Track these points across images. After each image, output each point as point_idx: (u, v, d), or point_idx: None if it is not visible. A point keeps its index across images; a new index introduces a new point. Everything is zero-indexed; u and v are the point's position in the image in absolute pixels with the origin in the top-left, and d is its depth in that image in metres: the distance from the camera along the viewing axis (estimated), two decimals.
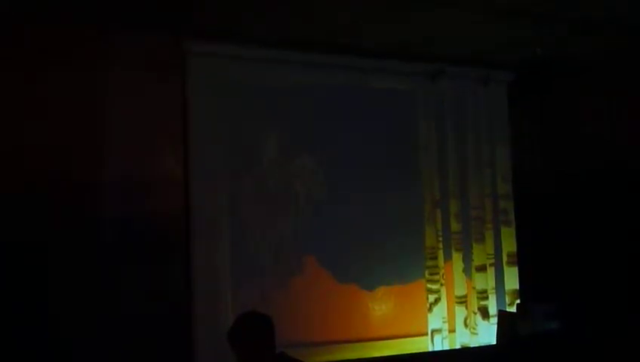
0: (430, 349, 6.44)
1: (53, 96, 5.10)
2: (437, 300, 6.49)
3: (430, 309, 6.49)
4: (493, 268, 6.82)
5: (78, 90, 5.19)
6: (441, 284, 6.53)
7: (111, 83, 5.30)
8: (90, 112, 5.23)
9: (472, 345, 6.60)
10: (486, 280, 6.75)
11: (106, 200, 5.27)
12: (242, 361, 3.50)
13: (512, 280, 6.88)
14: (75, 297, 5.00)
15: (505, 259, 6.91)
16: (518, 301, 6.74)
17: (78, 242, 5.07)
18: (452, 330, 6.58)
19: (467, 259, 6.70)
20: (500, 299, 6.82)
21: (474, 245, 6.75)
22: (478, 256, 6.74)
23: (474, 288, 6.72)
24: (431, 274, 6.50)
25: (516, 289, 6.87)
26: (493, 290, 6.79)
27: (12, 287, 4.80)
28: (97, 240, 5.18)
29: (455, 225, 6.66)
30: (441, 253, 6.55)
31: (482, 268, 6.74)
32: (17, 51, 5.02)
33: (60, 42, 5.15)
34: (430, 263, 6.51)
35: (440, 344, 6.46)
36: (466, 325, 6.64)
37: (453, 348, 6.53)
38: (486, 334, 6.65)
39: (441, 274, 6.53)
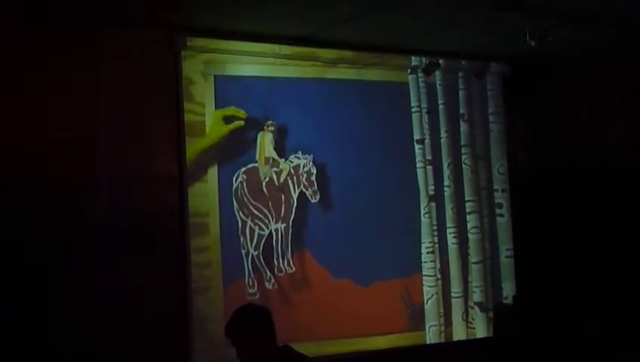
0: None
1: (45, 94, 5.06)
2: (434, 295, 6.48)
3: (427, 304, 6.48)
4: (489, 262, 6.82)
5: (71, 87, 5.14)
6: (438, 279, 6.52)
7: (104, 80, 5.26)
8: (83, 110, 5.18)
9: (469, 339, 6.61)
10: (483, 274, 6.74)
11: (101, 198, 5.23)
12: (242, 354, 3.47)
13: (508, 274, 6.88)
14: (70, 294, 4.97)
15: (501, 252, 6.90)
16: (515, 294, 6.73)
17: (72, 240, 5.03)
18: (449, 325, 6.58)
19: (464, 253, 6.69)
20: (497, 293, 6.82)
21: (470, 239, 6.73)
22: (475, 250, 6.73)
23: (471, 282, 6.71)
24: (427, 269, 6.49)
25: (513, 283, 6.86)
26: (490, 284, 6.79)
27: (6, 286, 4.76)
28: (92, 238, 5.14)
29: (451, 219, 6.65)
30: (437, 247, 6.54)
31: (479, 262, 6.73)
32: (9, 49, 4.96)
33: (52, 40, 5.10)
34: (426, 258, 6.49)
35: (437, 338, 6.45)
36: (463, 319, 6.63)
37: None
38: (483, 328, 6.64)
39: (437, 268, 6.52)
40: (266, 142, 5.96)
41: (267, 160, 5.97)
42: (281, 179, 6.01)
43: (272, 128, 5.98)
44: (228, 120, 5.80)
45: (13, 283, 4.79)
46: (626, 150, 6.47)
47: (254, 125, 5.93)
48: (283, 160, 6.03)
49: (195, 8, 5.12)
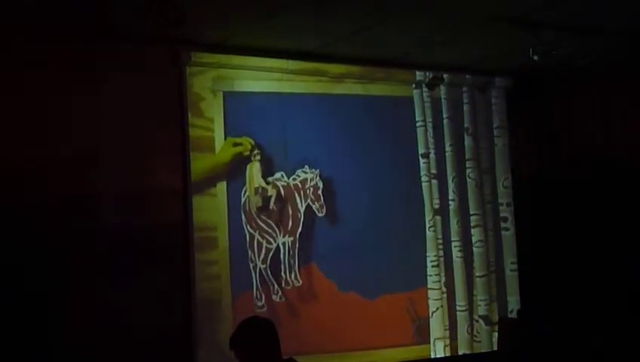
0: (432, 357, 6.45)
1: (51, 107, 5.07)
2: (439, 308, 6.50)
3: (432, 317, 6.49)
4: (494, 276, 6.83)
5: (76, 100, 5.16)
6: (443, 292, 6.53)
7: (109, 93, 5.28)
8: (88, 123, 5.20)
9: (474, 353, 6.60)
10: (488, 288, 6.75)
11: (106, 212, 5.25)
12: None
13: (513, 288, 6.89)
14: (74, 308, 4.96)
15: (506, 266, 6.91)
16: (520, 308, 6.73)
17: (74, 254, 5.03)
18: (454, 338, 6.59)
19: (468, 267, 6.70)
20: (502, 306, 6.83)
21: (475, 252, 6.75)
22: (480, 264, 6.74)
23: (475, 296, 6.72)
24: (432, 282, 6.50)
25: (518, 297, 6.87)
26: (495, 298, 6.80)
27: (6, 301, 4.75)
28: (97, 252, 5.15)
29: (456, 233, 6.67)
30: (442, 261, 6.56)
31: (484, 276, 6.74)
32: (13, 64, 4.97)
33: (58, 53, 5.12)
34: (431, 271, 6.51)
35: (442, 352, 6.45)
36: (467, 333, 6.64)
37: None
38: (488, 342, 6.65)
39: (442, 281, 6.54)
40: (254, 172, 5.98)
41: (257, 190, 5.97)
42: (288, 190, 6.04)
43: (258, 157, 6.00)
44: (237, 146, 5.90)
45: (14, 298, 4.77)
46: (629, 163, 6.48)
47: (260, 137, 5.99)
48: (290, 171, 6.07)
49: (199, 23, 5.13)
